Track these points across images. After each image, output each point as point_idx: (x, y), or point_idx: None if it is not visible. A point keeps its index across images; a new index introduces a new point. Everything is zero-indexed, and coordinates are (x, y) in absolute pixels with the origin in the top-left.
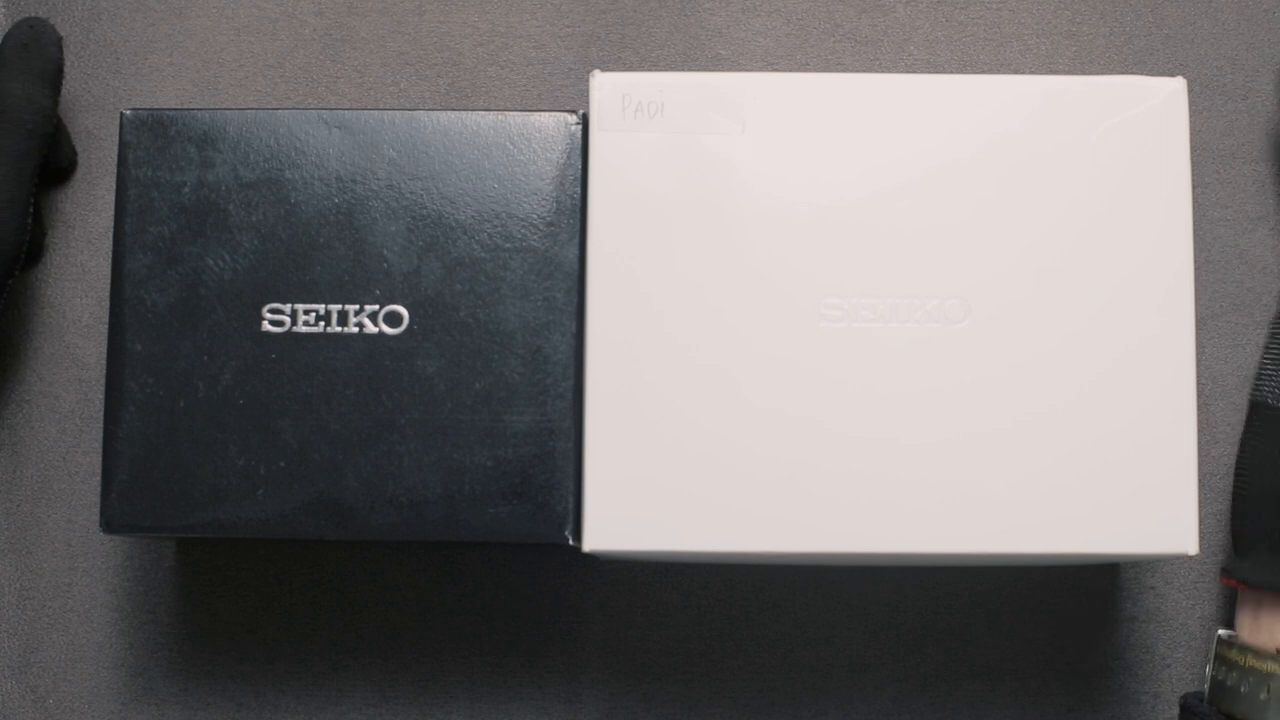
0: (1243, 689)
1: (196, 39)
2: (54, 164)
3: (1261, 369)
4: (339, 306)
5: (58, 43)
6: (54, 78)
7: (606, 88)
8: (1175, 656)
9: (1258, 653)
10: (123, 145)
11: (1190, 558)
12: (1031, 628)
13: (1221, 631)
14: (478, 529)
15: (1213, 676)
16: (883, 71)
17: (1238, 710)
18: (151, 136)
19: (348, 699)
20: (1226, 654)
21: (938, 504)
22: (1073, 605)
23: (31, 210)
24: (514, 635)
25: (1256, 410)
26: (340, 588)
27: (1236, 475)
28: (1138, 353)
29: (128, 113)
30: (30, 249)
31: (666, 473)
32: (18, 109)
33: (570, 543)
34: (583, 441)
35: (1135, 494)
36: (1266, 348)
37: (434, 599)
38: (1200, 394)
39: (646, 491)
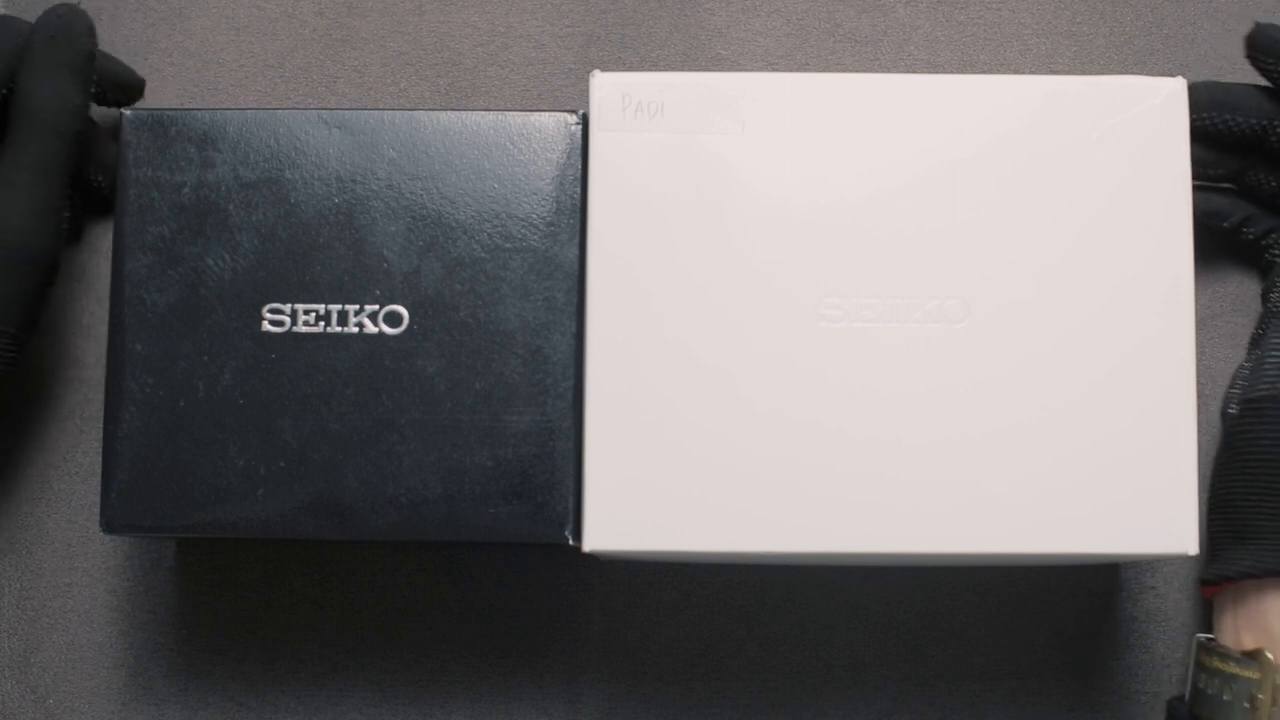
0: (1225, 697)
1: (196, 39)
2: (93, 168)
3: (1233, 381)
4: (339, 306)
5: (89, 30)
6: (85, 69)
7: (606, 88)
8: (1175, 656)
9: (1239, 660)
10: (123, 145)
11: (1190, 558)
12: (1031, 628)
13: (1200, 636)
14: (478, 529)
15: (1193, 683)
16: (883, 71)
17: (1220, 718)
18: (151, 136)
19: (348, 699)
20: (1207, 661)
21: (938, 504)
22: (1073, 605)
23: (67, 216)
24: (514, 635)
25: (1241, 410)
26: (340, 588)
27: (1214, 478)
28: (1138, 353)
29: (128, 113)
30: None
31: (666, 473)
32: (46, 110)
33: (570, 543)
34: (583, 441)
35: (1135, 494)
36: (1242, 365)
37: (434, 599)
38: (1200, 394)
39: (646, 491)
